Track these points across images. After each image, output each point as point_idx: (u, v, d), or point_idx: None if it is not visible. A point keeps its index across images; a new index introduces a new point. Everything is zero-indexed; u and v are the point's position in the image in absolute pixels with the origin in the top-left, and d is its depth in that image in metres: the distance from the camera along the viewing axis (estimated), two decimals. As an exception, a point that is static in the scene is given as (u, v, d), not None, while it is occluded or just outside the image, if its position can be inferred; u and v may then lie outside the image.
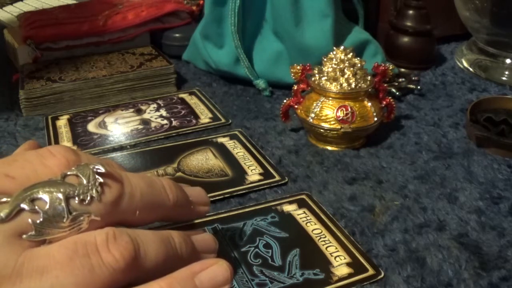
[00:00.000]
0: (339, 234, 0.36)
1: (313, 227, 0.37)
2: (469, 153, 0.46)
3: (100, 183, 0.25)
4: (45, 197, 0.24)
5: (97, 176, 0.25)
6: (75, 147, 0.48)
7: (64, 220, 0.24)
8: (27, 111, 0.55)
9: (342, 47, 0.47)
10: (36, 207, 0.23)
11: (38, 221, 0.23)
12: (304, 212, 0.39)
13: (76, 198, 0.24)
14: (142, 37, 0.68)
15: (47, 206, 0.23)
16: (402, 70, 0.63)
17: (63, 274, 0.22)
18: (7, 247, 0.22)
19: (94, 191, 0.25)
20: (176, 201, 0.29)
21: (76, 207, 0.24)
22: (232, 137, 0.50)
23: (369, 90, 0.47)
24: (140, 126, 0.52)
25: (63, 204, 0.24)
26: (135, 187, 0.27)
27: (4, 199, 0.23)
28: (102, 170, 0.25)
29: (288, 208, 0.39)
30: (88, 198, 0.24)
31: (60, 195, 0.24)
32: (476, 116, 0.50)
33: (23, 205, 0.23)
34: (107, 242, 0.24)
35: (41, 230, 0.23)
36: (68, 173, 0.25)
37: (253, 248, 0.35)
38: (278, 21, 0.57)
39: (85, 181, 0.25)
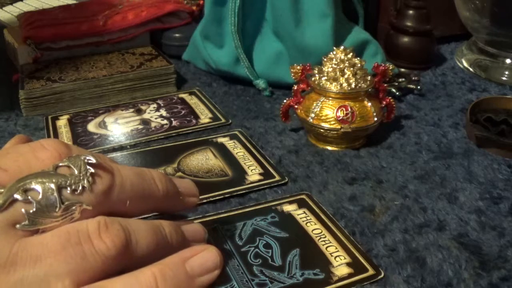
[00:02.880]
0: (339, 234, 0.36)
1: (313, 227, 0.37)
2: (469, 153, 0.46)
3: (91, 174, 0.25)
4: (38, 187, 0.24)
5: (88, 167, 0.26)
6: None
7: (57, 210, 0.24)
8: (27, 111, 0.55)
9: (342, 47, 0.47)
10: (29, 197, 0.24)
11: (31, 211, 0.24)
12: (304, 212, 0.39)
13: (68, 188, 0.25)
14: (142, 37, 0.68)
15: (40, 196, 0.24)
16: (402, 70, 0.63)
17: (56, 262, 0.23)
18: (1, 236, 0.23)
19: (85, 181, 0.25)
20: (166, 191, 0.29)
21: (68, 197, 0.25)
22: (232, 137, 0.50)
23: (369, 90, 0.47)
24: (140, 126, 0.52)
25: (55, 194, 0.24)
26: (125, 177, 0.27)
27: None
28: (93, 161, 0.26)
29: (288, 208, 0.39)
30: (80, 188, 0.25)
31: (53, 186, 0.24)
32: (476, 116, 0.50)
33: (16, 196, 0.24)
34: (99, 230, 0.24)
35: (34, 219, 0.24)
36: (60, 164, 0.25)
37: (253, 248, 0.35)
38: (278, 21, 0.57)
39: (76, 172, 0.25)
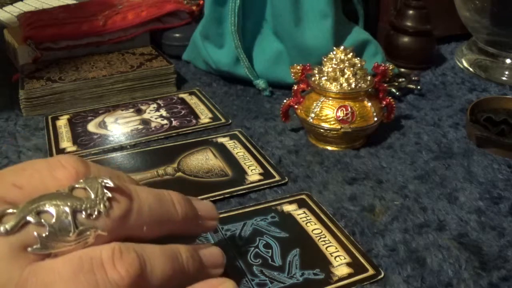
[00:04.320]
0: (339, 234, 0.36)
1: (313, 227, 0.37)
2: (469, 153, 0.46)
3: (108, 198, 0.25)
4: (52, 210, 0.23)
5: (105, 191, 0.25)
6: (75, 147, 0.48)
7: (70, 234, 0.23)
8: (27, 111, 0.55)
9: (342, 47, 0.47)
10: (42, 220, 0.23)
11: (43, 235, 0.23)
12: (304, 212, 0.39)
13: (83, 213, 0.24)
14: (142, 37, 0.68)
15: (54, 220, 0.23)
16: (402, 70, 0.63)
17: None
18: (11, 260, 0.22)
19: (101, 205, 0.24)
20: (185, 216, 0.28)
21: (83, 222, 0.24)
22: (232, 137, 0.50)
23: (369, 90, 0.47)
24: (140, 126, 0.52)
25: (69, 218, 0.23)
26: (143, 202, 0.26)
27: (10, 210, 0.23)
28: (110, 184, 0.25)
29: (288, 208, 0.39)
30: (96, 213, 0.24)
31: (67, 209, 0.23)
32: (476, 116, 0.50)
33: (29, 218, 0.23)
34: (113, 258, 0.23)
35: (46, 243, 0.23)
36: (76, 185, 0.25)
37: (253, 248, 0.35)
38: (278, 21, 0.57)
39: (93, 196, 0.24)
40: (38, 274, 0.22)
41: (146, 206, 0.26)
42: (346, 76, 0.46)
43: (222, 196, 0.41)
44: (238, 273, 0.33)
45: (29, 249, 0.23)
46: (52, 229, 0.23)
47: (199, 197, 0.34)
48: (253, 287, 0.32)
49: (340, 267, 0.33)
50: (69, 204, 0.24)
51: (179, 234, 0.30)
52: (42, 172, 0.25)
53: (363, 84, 0.46)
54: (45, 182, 0.25)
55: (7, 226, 0.22)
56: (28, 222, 0.23)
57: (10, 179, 0.25)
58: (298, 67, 0.48)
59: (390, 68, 0.48)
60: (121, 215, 0.25)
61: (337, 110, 0.46)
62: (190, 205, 0.29)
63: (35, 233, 0.23)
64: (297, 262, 0.34)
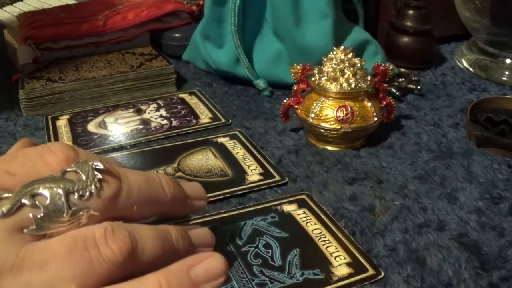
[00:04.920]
0: (339, 234, 0.36)
1: (313, 227, 0.37)
2: (469, 153, 0.46)
3: (99, 179, 0.26)
4: (46, 192, 0.24)
5: (96, 173, 0.26)
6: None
7: (64, 215, 0.24)
8: (27, 111, 0.55)
9: (342, 47, 0.47)
10: (37, 202, 0.24)
11: (38, 216, 0.24)
12: (304, 212, 0.39)
13: (76, 194, 0.25)
14: (142, 37, 0.68)
15: (48, 201, 0.24)
16: (402, 70, 0.63)
17: (62, 267, 0.23)
18: (8, 241, 0.23)
19: (93, 187, 0.25)
20: (174, 197, 0.29)
21: (76, 203, 0.25)
22: (232, 137, 0.50)
23: (369, 90, 0.47)
24: (140, 126, 0.52)
25: (63, 199, 0.24)
26: (133, 183, 0.27)
27: (6, 195, 0.24)
28: (100, 166, 0.26)
29: (288, 208, 0.39)
30: (87, 193, 0.25)
31: (60, 191, 0.24)
32: (476, 116, 0.50)
33: (24, 200, 0.24)
34: (106, 236, 0.24)
35: (41, 224, 0.24)
36: (68, 169, 0.26)
37: (253, 248, 0.35)
38: (278, 21, 0.57)
39: (84, 177, 0.25)
40: (34, 253, 0.23)
41: (135, 187, 0.27)
42: (346, 76, 0.46)
43: (222, 196, 0.41)
44: (238, 273, 0.33)
45: (25, 230, 0.24)
46: (47, 210, 0.24)
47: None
48: (253, 287, 0.32)
49: (340, 267, 0.33)
50: (62, 186, 0.24)
51: (170, 217, 0.31)
52: (34, 159, 0.26)
53: (363, 84, 0.46)
54: (37, 168, 0.26)
55: (3, 209, 0.23)
56: (23, 205, 0.24)
57: (3, 167, 0.26)
58: (298, 67, 0.48)
59: (390, 68, 0.48)
60: (112, 195, 0.26)
61: (337, 110, 0.46)
62: (178, 186, 0.30)
63: (31, 215, 0.24)
64: (297, 262, 0.34)
